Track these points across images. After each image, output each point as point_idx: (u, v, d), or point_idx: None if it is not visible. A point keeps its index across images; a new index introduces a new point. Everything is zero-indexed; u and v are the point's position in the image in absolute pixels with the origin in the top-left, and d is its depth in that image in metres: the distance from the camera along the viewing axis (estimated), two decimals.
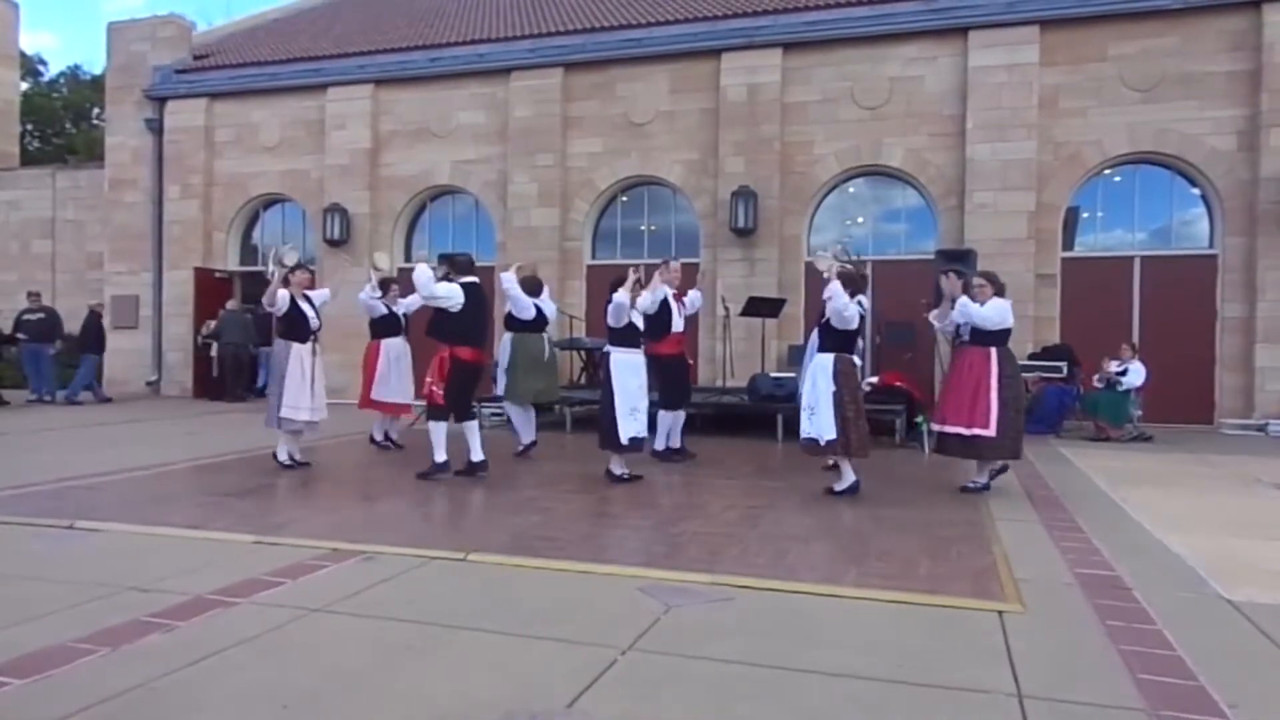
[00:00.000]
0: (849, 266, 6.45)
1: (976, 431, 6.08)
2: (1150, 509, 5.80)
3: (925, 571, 4.24)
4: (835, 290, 6.06)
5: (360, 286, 14.24)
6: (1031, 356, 10.85)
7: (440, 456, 6.71)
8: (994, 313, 6.20)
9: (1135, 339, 11.04)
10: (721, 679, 2.91)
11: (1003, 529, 5.19)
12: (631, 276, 6.69)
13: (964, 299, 6.27)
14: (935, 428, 6.45)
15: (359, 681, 2.86)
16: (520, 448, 8.10)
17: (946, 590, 3.91)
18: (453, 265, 6.93)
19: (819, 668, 3.00)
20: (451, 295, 6.60)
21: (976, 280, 6.44)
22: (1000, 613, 3.59)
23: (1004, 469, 6.51)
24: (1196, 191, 11.50)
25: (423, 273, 6.59)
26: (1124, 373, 9.92)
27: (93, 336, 14.17)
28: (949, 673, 2.97)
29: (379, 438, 8.65)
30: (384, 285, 8.54)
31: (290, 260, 7.35)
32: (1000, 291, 6.32)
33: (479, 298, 6.80)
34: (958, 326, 6.38)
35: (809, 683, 2.88)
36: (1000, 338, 6.26)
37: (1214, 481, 7.18)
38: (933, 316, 6.67)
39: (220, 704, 2.69)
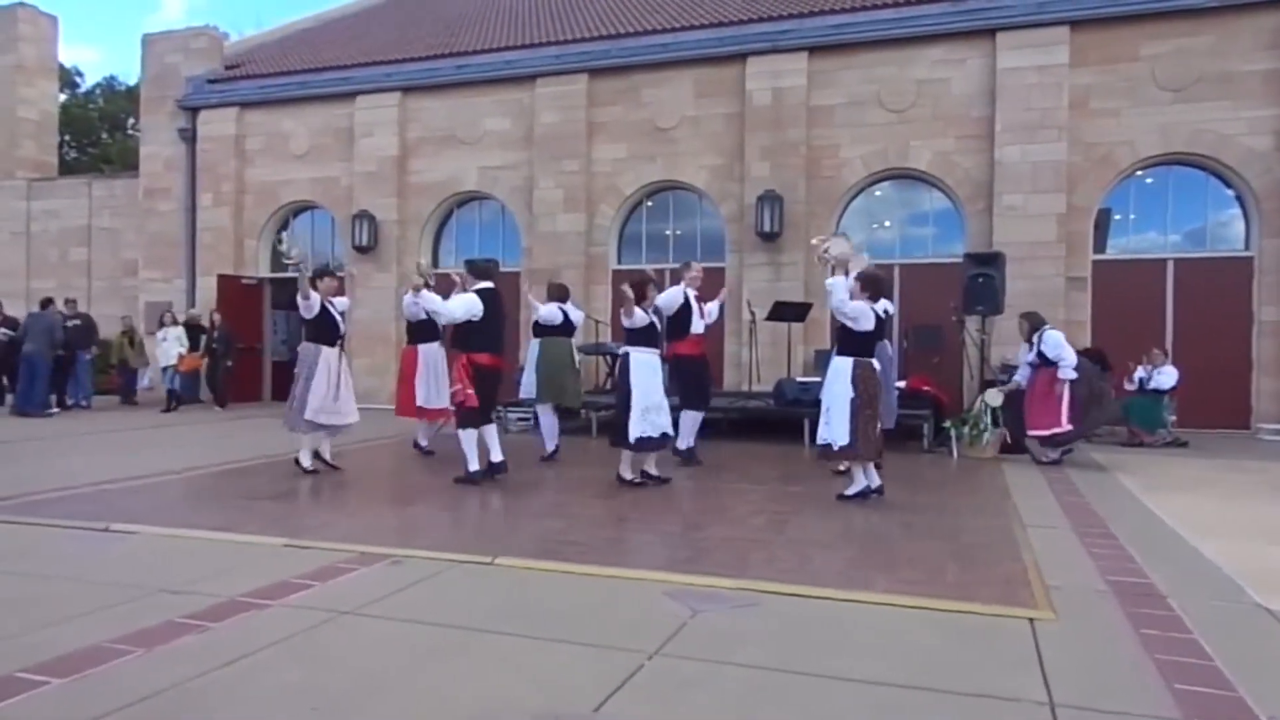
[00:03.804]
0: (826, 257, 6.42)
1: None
2: (1184, 515, 5.69)
3: (954, 578, 4.20)
4: (836, 285, 6.04)
5: (385, 292, 14.30)
6: None
7: (474, 465, 6.76)
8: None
9: (1169, 343, 10.86)
10: (749, 684, 2.90)
11: (1033, 535, 5.13)
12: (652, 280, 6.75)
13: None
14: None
15: (386, 684, 2.89)
16: (547, 453, 8.12)
17: (976, 597, 3.86)
18: (471, 270, 6.98)
19: (846, 674, 2.98)
20: (468, 310, 6.63)
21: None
22: (1031, 620, 3.55)
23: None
24: (1231, 193, 11.30)
25: (432, 298, 6.76)
26: (1147, 382, 9.78)
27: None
28: (979, 680, 2.94)
29: (424, 443, 8.71)
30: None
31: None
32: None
33: (496, 304, 6.83)
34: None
35: (836, 689, 2.87)
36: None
37: (1250, 488, 7.04)
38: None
39: (251, 705, 2.73)
